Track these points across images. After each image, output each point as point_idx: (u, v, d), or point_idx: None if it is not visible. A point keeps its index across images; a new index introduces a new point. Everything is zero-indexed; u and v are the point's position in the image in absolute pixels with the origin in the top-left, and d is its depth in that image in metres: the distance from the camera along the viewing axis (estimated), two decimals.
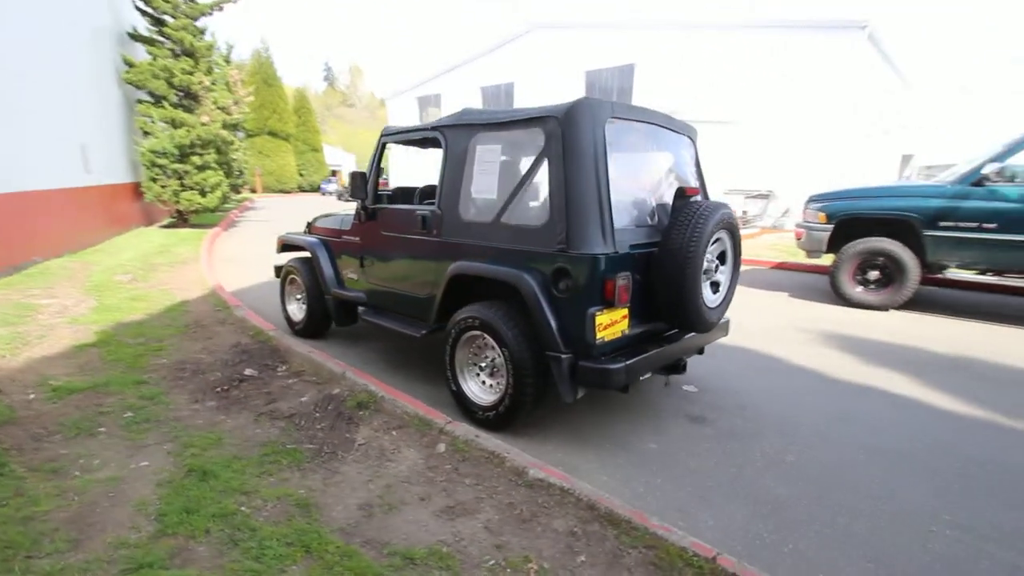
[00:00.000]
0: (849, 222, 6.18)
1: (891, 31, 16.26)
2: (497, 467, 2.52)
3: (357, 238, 4.11)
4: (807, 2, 19.03)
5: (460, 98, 24.91)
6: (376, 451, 2.72)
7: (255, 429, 2.93)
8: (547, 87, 21.52)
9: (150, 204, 11.13)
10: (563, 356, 2.69)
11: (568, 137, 2.68)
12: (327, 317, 4.65)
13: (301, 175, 33.85)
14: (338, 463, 2.59)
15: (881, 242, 5.94)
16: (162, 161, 10.51)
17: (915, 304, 6.08)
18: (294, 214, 19.36)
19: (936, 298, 6.62)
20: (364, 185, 3.85)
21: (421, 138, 3.74)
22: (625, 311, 2.76)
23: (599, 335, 2.63)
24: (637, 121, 3.04)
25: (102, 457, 2.50)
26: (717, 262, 3.11)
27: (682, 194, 3.01)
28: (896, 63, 18.28)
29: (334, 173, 36.99)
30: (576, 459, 2.78)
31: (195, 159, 10.97)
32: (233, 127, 12.27)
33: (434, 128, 3.43)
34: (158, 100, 10.71)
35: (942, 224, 5.56)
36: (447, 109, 26.14)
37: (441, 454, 2.67)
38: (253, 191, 28.58)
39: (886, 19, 15.50)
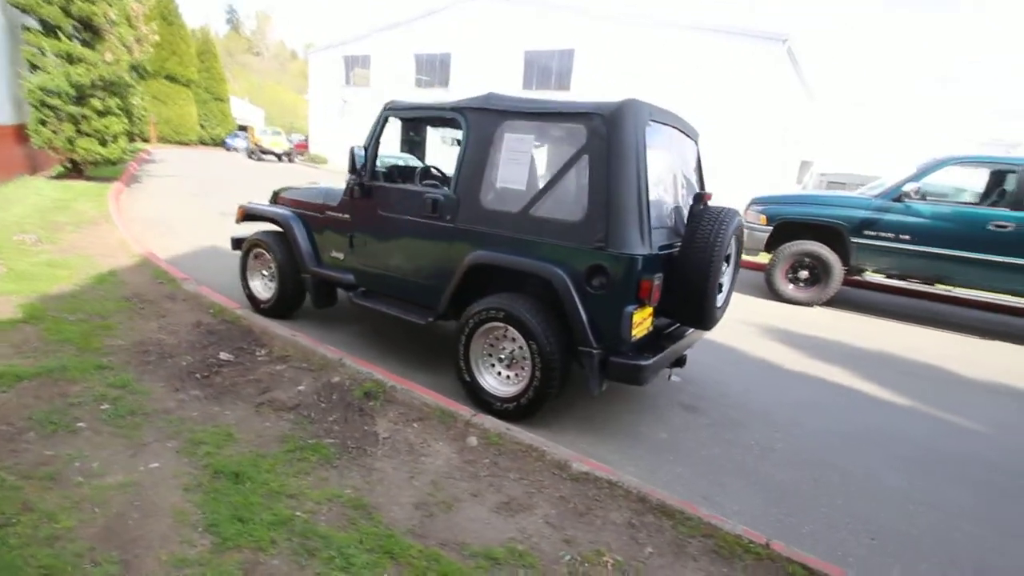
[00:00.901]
0: (786, 225, 6.80)
1: (803, 46, 17.80)
2: (537, 460, 2.55)
3: (347, 215, 3.85)
4: (740, 10, 20.13)
5: (393, 63, 23.77)
6: (404, 445, 2.63)
7: (262, 422, 2.70)
8: (485, 62, 21.19)
9: (38, 151, 9.55)
10: (595, 351, 2.75)
11: (613, 136, 2.69)
12: (300, 296, 4.35)
13: (202, 127, 30.62)
14: (369, 459, 2.48)
15: (812, 245, 6.60)
16: (54, 101, 9.02)
17: (835, 302, 6.86)
18: (206, 171, 17.57)
19: (851, 297, 7.52)
20: (364, 160, 3.60)
21: (432, 116, 3.56)
22: (651, 309, 2.87)
23: (633, 332, 2.72)
24: (664, 124, 3.12)
25: (100, 459, 2.19)
26: (725, 264, 3.32)
27: (700, 199, 3.16)
28: (805, 76, 20.06)
29: (243, 128, 33.79)
30: (599, 450, 2.88)
31: (95, 103, 9.55)
32: (138, 70, 10.80)
33: (454, 109, 3.28)
34: (51, 30, 9.12)
35: (866, 232, 6.30)
36: (378, 73, 24.87)
37: (474, 448, 2.64)
38: (146, 141, 25.44)
39: (798, 34, 16.92)
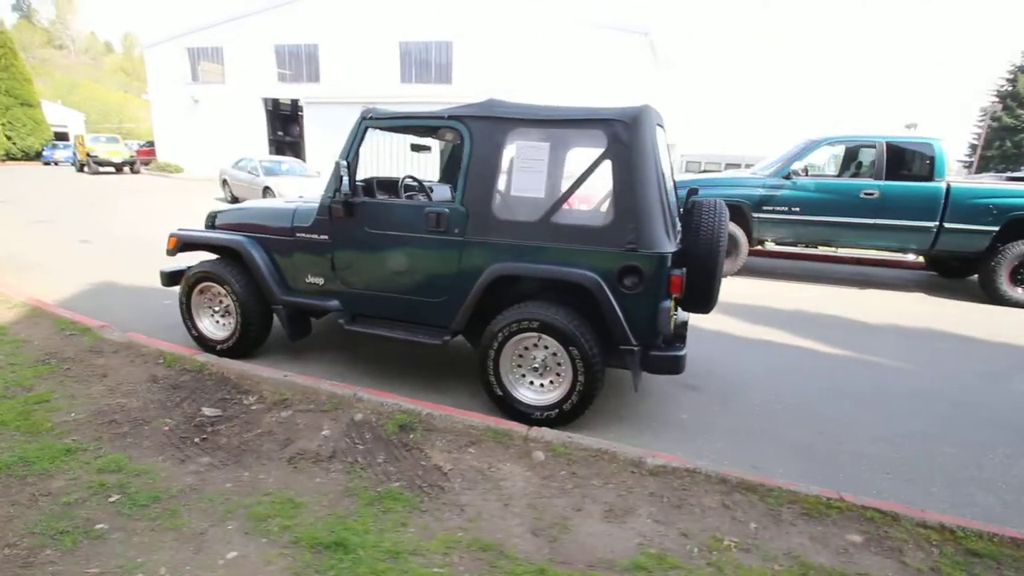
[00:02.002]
0: None
1: (665, 38, 19.50)
2: (611, 463, 2.61)
3: (325, 236, 3.52)
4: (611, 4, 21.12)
5: (249, 56, 21.63)
6: (474, 474, 2.53)
7: (310, 479, 2.42)
8: (358, 54, 20.19)
9: None
10: (635, 348, 2.87)
11: (635, 141, 2.79)
12: (266, 331, 3.91)
13: (8, 138, 25.42)
14: (451, 496, 2.35)
15: None
16: None
17: (745, 271, 7.74)
18: (35, 192, 14.70)
19: (756, 265, 8.51)
20: (344, 176, 3.30)
21: (421, 126, 3.37)
22: (673, 301, 3.05)
23: (670, 326, 2.88)
24: (660, 126, 3.30)
25: (163, 563, 1.82)
26: None
27: (695, 192, 3.40)
28: (666, 65, 21.97)
29: (61, 136, 28.51)
30: (639, 439, 3.01)
31: None
32: None
33: (453, 118, 3.14)
34: None
35: (764, 208, 7.17)
36: (233, 67, 22.49)
37: (544, 462, 2.62)
38: None
39: (660, 28, 18.51)
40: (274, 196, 12.57)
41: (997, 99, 41.93)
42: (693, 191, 3.41)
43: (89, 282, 5.84)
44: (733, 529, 2.19)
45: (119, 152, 22.60)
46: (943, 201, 6.46)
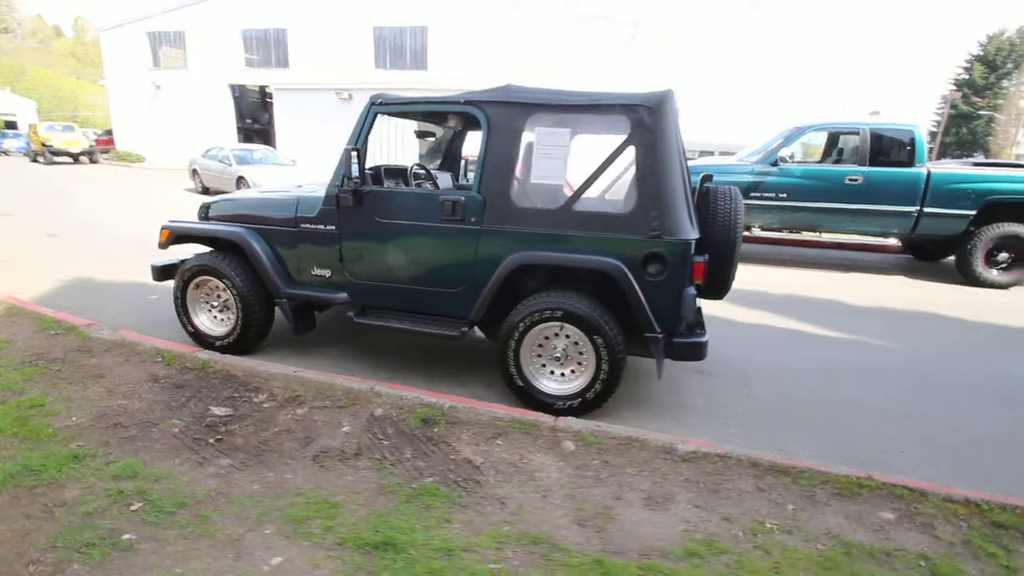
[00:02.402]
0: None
1: (645, 26, 19.37)
2: (642, 450, 2.60)
3: (332, 227, 3.39)
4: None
5: (214, 40, 20.76)
6: (507, 466, 2.49)
7: (340, 478, 2.34)
8: (329, 38, 19.60)
9: None
10: (660, 335, 2.86)
11: (659, 127, 2.76)
12: (268, 326, 3.77)
13: None
14: (488, 489, 2.30)
15: None
16: None
17: None
18: None
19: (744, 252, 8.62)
20: (353, 165, 3.18)
21: (434, 112, 3.27)
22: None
23: (694, 312, 2.88)
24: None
25: (204, 573, 1.73)
26: None
27: (708, 178, 3.40)
28: (643, 53, 21.96)
29: (10, 125, 26.87)
30: (661, 425, 3.03)
31: None
32: None
33: (469, 103, 3.05)
34: None
35: (752, 194, 7.27)
36: (196, 52, 21.58)
37: (575, 452, 2.60)
38: None
39: (642, 14, 18.50)
40: (248, 186, 12.17)
41: (955, 87, 43.50)
42: (707, 177, 3.41)
43: (64, 278, 5.54)
44: (772, 512, 2.21)
45: (76, 141, 21.48)
46: (924, 186, 6.66)
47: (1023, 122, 41.47)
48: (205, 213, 3.92)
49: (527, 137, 2.97)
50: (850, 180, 6.89)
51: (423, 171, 4.07)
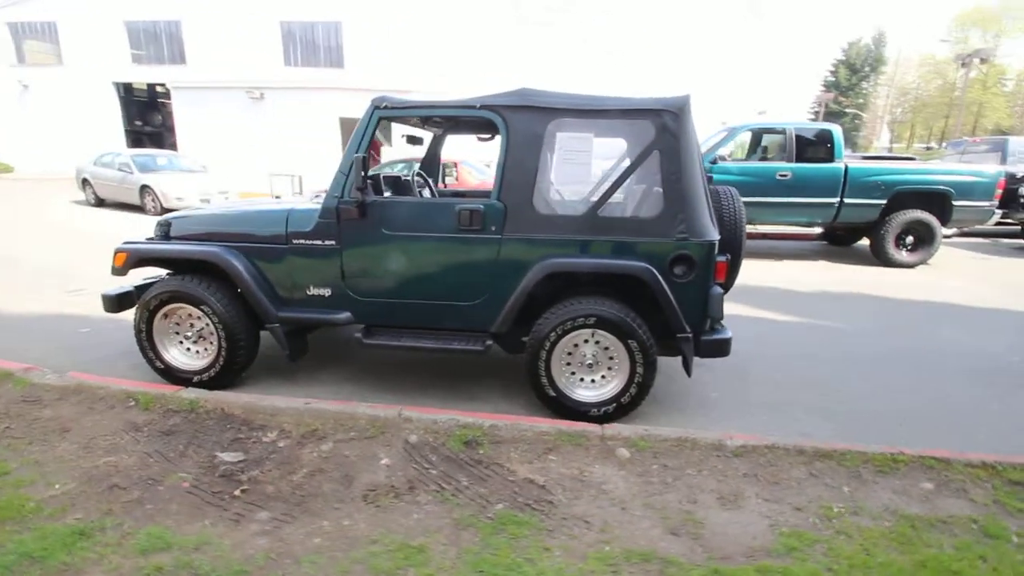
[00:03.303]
0: None
1: (569, 25, 19.73)
2: (694, 450, 2.64)
3: (331, 242, 3.12)
4: None
5: (94, 33, 18.44)
6: (570, 481, 2.42)
7: (405, 517, 2.15)
8: (231, 33, 18.14)
9: None
10: (690, 336, 2.93)
11: (682, 130, 2.81)
12: (253, 355, 3.40)
13: None
14: (564, 508, 2.23)
15: None
16: None
17: None
18: None
19: None
20: (356, 174, 2.94)
21: (443, 116, 3.09)
22: None
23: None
24: None
25: None
26: None
27: (709, 180, 3.52)
28: (565, 53, 22.39)
29: None
30: (691, 421, 3.11)
31: None
32: None
33: (485, 107, 2.92)
34: None
35: None
36: (72, 46, 19.04)
37: (631, 459, 2.59)
38: None
39: (565, 15, 18.87)
40: (155, 195, 10.98)
41: (824, 88, 48.86)
42: (708, 179, 3.53)
43: None
44: (833, 496, 2.34)
45: None
46: (843, 180, 7.40)
47: (887, 119, 47.47)
48: (165, 232, 3.45)
49: (550, 143, 2.91)
50: (780, 176, 7.49)
51: (422, 178, 3.86)
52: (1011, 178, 8.60)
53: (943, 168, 7.69)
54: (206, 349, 3.36)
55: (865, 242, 8.63)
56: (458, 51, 17.33)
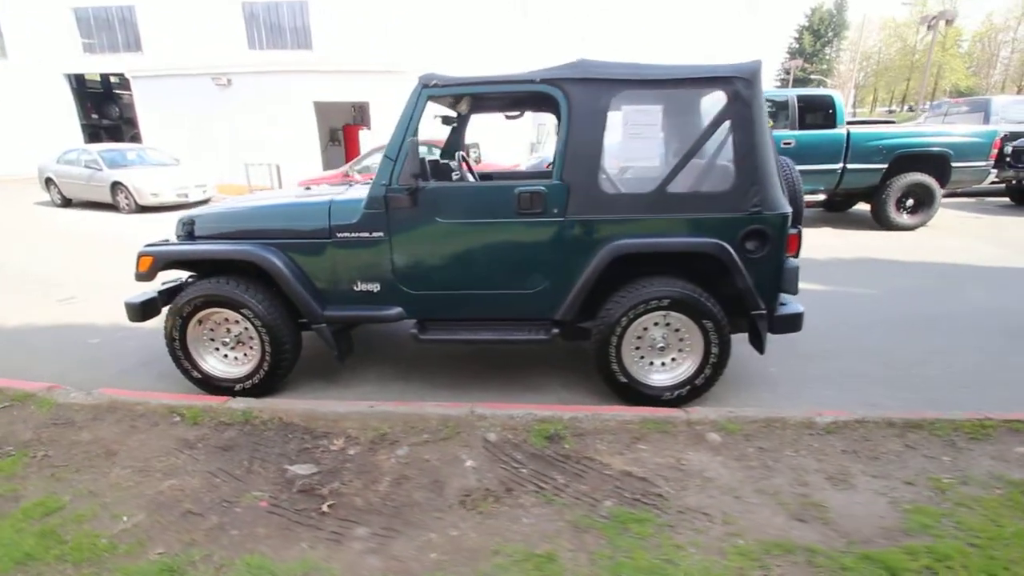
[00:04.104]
0: None
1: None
2: (784, 429, 2.58)
3: (379, 233, 2.92)
4: None
5: (39, 21, 17.16)
6: (670, 471, 2.33)
7: (514, 523, 2.03)
8: (189, 16, 17.12)
9: None
10: (764, 312, 2.85)
11: (755, 98, 2.68)
12: (298, 355, 3.20)
13: None
14: (676, 500, 2.13)
15: None
16: None
17: None
18: None
19: None
20: (406, 160, 2.73)
21: (497, 94, 2.89)
22: None
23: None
24: None
25: None
26: None
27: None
28: (535, 23, 21.88)
29: None
30: (761, 398, 3.06)
31: None
32: None
33: (545, 81, 2.72)
34: None
35: None
36: (15, 37, 17.72)
37: (723, 443, 2.51)
38: None
39: None
40: (129, 192, 10.39)
41: (789, 55, 49.32)
42: None
43: None
44: (936, 467, 2.30)
45: None
46: (845, 145, 7.42)
47: (851, 84, 48.25)
48: (189, 231, 3.18)
49: (614, 117, 2.74)
50: (785, 144, 7.46)
51: (463, 161, 3.65)
52: None
53: (941, 130, 7.77)
54: (246, 355, 3.14)
55: (862, 207, 8.75)
56: (440, 32, 16.74)
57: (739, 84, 2.66)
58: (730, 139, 2.72)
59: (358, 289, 3.03)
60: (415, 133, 2.82)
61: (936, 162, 7.47)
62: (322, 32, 17.31)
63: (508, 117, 4.08)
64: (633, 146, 2.76)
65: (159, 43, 17.41)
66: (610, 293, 2.88)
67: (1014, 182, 9.22)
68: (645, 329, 2.91)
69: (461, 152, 3.76)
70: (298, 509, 2.14)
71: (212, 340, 3.14)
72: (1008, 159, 9.08)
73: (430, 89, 2.79)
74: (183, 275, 3.47)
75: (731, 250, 2.73)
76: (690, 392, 2.90)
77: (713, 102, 2.73)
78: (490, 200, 2.87)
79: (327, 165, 16.19)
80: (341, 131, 18.51)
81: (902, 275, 5.64)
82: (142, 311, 3.12)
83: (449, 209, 2.87)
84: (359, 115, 18.02)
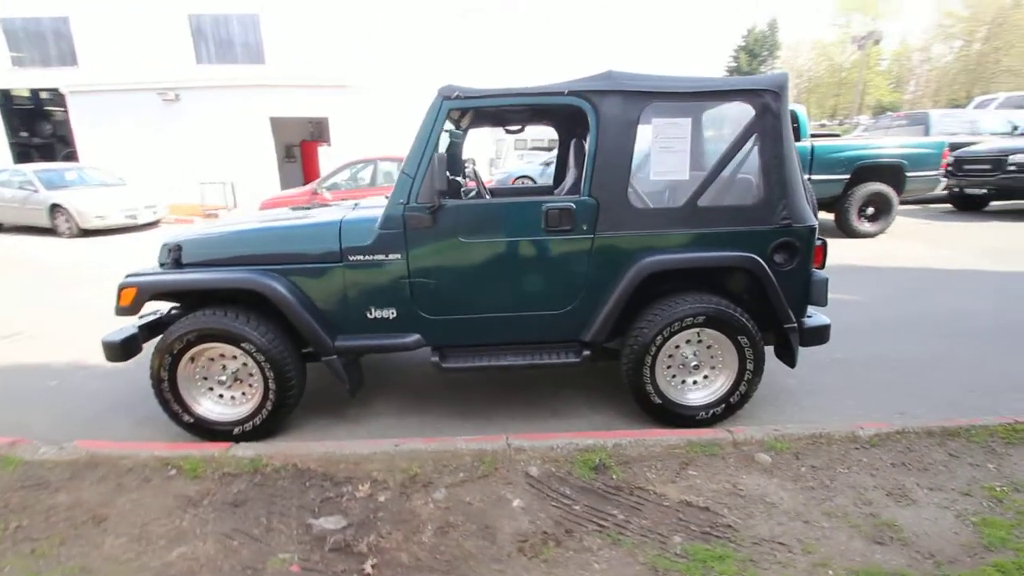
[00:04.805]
0: None
1: (486, 13, 19.21)
2: (830, 444, 2.53)
3: (397, 255, 2.71)
4: None
5: None
6: (729, 498, 2.22)
7: (583, 570, 1.86)
8: (131, 29, 16.22)
9: None
10: (796, 326, 2.82)
11: (782, 110, 2.67)
12: (302, 391, 2.93)
13: None
14: (747, 531, 2.02)
15: None
16: None
17: None
18: None
19: None
20: (442, 175, 2.56)
21: (522, 106, 2.75)
22: None
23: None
24: None
25: None
26: None
27: None
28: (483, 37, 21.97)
29: None
30: (789, 412, 3.02)
31: None
32: None
33: (572, 93, 2.61)
34: None
35: None
36: None
37: (774, 464, 2.43)
38: None
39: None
40: (70, 215, 9.61)
41: (728, 74, 51.88)
42: None
43: None
44: (984, 475, 2.30)
45: None
46: (810, 157, 7.72)
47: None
48: (176, 258, 2.86)
49: (644, 129, 2.66)
50: None
51: (475, 177, 3.49)
52: None
53: (897, 142, 8.23)
54: (244, 394, 2.84)
55: (825, 216, 9.12)
56: (395, 44, 16.52)
57: (768, 96, 2.64)
58: (759, 151, 2.70)
59: (372, 316, 2.80)
60: (436, 148, 2.65)
61: (893, 172, 7.88)
62: (275, 46, 16.76)
63: (508, 131, 3.96)
64: (664, 159, 2.69)
65: (97, 57, 16.37)
66: (637, 310, 2.78)
67: (956, 189, 9.86)
68: (676, 347, 2.82)
69: (473, 167, 3.60)
70: (337, 572, 1.90)
71: (206, 379, 2.82)
72: (950, 168, 9.71)
73: (451, 101, 2.63)
74: (163, 306, 3.14)
75: (763, 264, 2.69)
76: (725, 410, 2.83)
77: (741, 114, 2.70)
78: (516, 218, 2.72)
79: (283, 183, 15.60)
80: (298, 147, 17.93)
81: (880, 281, 5.84)
82: (123, 350, 2.78)
83: (473, 228, 2.70)
84: (317, 131, 17.52)
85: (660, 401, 2.80)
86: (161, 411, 2.77)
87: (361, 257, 2.72)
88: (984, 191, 9.47)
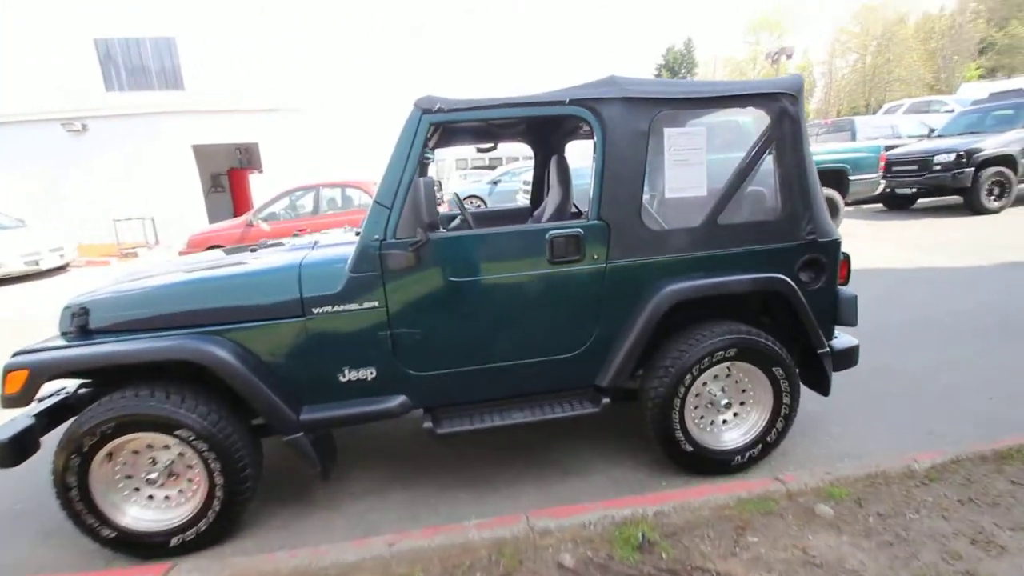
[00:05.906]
0: None
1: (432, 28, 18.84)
2: (888, 484, 2.24)
3: (374, 303, 2.22)
4: None
5: None
6: (801, 567, 1.87)
7: None
8: (24, 55, 14.61)
9: None
10: (829, 350, 2.55)
11: (801, 115, 2.42)
12: (258, 479, 2.34)
13: None
14: None
15: None
16: None
17: None
18: None
19: None
20: (431, 203, 2.10)
21: (515, 118, 2.34)
22: None
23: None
24: None
25: None
26: None
27: None
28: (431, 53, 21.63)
29: None
30: (819, 440, 2.76)
31: None
32: None
33: (574, 102, 2.24)
34: None
35: None
36: None
37: (837, 515, 2.11)
38: None
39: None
40: None
41: None
42: None
43: None
44: None
45: None
46: None
47: None
48: (83, 324, 2.23)
49: (656, 141, 2.33)
50: None
51: (457, 203, 3.03)
52: None
53: (840, 147, 8.51)
54: (182, 491, 2.23)
55: None
56: (331, 64, 15.83)
57: (786, 101, 2.39)
58: (778, 160, 2.43)
59: (346, 379, 2.28)
60: (415, 171, 2.19)
61: (837, 176, 8.11)
62: (195, 70, 15.62)
63: (480, 150, 3.56)
64: (679, 174, 2.37)
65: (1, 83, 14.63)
66: (655, 345, 2.43)
67: (887, 190, 10.37)
68: (704, 384, 2.48)
69: (457, 192, 3.15)
70: None
71: (130, 478, 2.19)
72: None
73: (432, 115, 2.19)
74: (69, 384, 2.48)
75: (792, 284, 2.41)
76: (761, 451, 2.50)
77: (757, 120, 2.43)
78: (515, 249, 2.30)
79: (211, 215, 14.44)
80: (226, 176, 16.76)
81: (856, 283, 5.81)
82: (15, 450, 2.10)
83: (464, 263, 2.26)
84: (246, 157, 16.45)
85: (692, 449, 2.43)
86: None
87: (329, 308, 2.20)
88: (913, 190, 9.99)
